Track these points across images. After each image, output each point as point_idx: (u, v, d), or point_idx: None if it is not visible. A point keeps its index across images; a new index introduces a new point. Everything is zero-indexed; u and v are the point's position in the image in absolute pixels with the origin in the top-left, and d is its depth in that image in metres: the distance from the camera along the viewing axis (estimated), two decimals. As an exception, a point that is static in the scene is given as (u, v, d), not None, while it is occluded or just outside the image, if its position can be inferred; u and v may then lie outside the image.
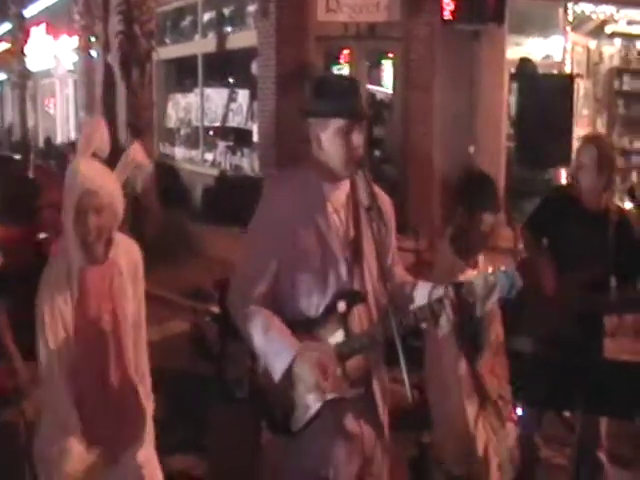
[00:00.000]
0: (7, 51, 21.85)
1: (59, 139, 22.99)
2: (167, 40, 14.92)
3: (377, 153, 11.67)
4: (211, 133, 14.07)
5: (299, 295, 2.46)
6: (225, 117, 13.47)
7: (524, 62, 6.70)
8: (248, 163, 12.62)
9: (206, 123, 14.00)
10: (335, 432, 2.43)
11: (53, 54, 21.53)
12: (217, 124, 13.74)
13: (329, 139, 2.47)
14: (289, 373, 2.34)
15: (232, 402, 4.11)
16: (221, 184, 12.16)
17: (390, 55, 11.40)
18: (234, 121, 13.25)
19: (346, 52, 11.51)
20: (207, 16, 13.75)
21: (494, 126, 10.37)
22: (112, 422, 2.75)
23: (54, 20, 21.36)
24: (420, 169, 10.61)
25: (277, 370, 2.35)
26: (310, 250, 2.44)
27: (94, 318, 2.70)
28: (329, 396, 2.37)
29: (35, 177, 6.93)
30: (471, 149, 9.79)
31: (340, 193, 2.55)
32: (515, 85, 7.47)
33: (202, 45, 13.69)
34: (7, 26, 22.84)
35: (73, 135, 22.30)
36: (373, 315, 2.49)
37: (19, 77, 20.83)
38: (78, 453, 2.61)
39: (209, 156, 13.86)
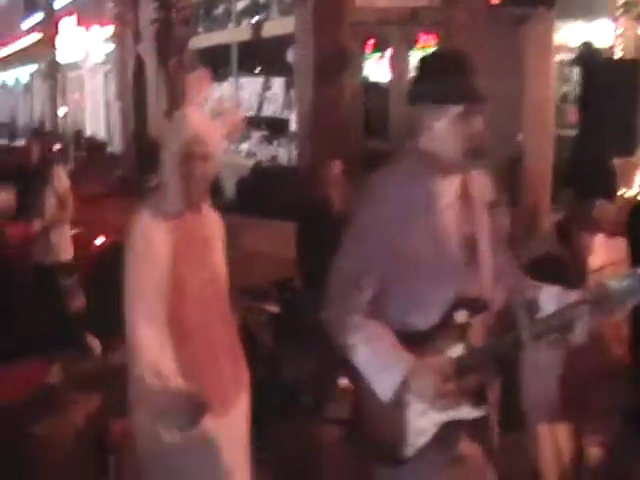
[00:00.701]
0: (38, 41, 21.78)
1: (88, 131, 22.92)
2: (199, 29, 14.69)
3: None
4: (244, 123, 13.81)
5: (410, 305, 2.14)
6: (260, 106, 13.23)
7: (586, 46, 6.34)
8: (285, 153, 12.36)
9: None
10: (450, 456, 2.15)
11: (83, 46, 21.44)
12: (251, 113, 13.50)
13: (445, 128, 2.10)
14: (400, 392, 2.07)
15: (294, 409, 3.84)
16: (256, 174, 11.93)
17: (418, 44, 11.05)
18: (269, 110, 13.01)
19: (371, 42, 11.17)
20: (241, 4, 13.50)
21: (542, 114, 9.98)
22: (218, 373, 2.61)
23: (84, 11, 21.27)
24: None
25: (387, 388, 2.05)
26: (422, 253, 2.11)
27: (194, 267, 2.58)
28: (448, 417, 2.09)
29: (74, 171, 6.70)
30: (519, 137, 9.43)
31: (452, 186, 2.19)
32: (577, 70, 7.09)
33: (236, 33, 13.44)
34: (38, 17, 22.79)
35: (103, 126, 22.26)
36: (492, 325, 2.19)
37: (49, 68, 20.72)
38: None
39: (244, 146, 13.62)
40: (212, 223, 2.74)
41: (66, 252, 5.52)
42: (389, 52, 11.23)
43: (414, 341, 2.11)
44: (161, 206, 2.58)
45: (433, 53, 2.26)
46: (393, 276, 2.14)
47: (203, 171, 2.56)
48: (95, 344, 5.08)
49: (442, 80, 2.10)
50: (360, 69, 10.87)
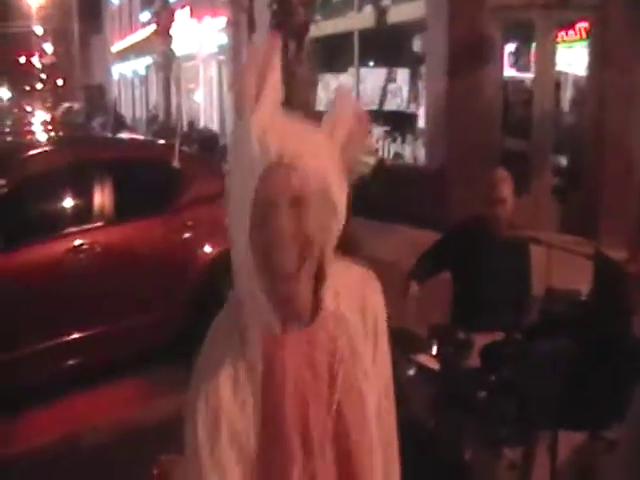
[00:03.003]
0: (154, 32, 21.60)
1: (202, 123, 22.54)
2: (318, 16, 13.77)
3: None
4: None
5: None
6: (382, 99, 12.19)
7: None
8: (410, 151, 11.27)
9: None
10: None
11: (197, 37, 21.08)
12: (373, 107, 12.48)
13: None
14: None
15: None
16: (379, 174, 10.90)
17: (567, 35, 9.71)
18: (393, 104, 11.95)
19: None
20: (364, -12, 12.50)
21: None
22: None
23: (197, 3, 20.91)
24: (616, 163, 8.92)
25: None
26: None
27: (294, 425, 1.35)
28: None
29: (181, 167, 5.84)
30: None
31: None
32: None
33: (358, 21, 12.44)
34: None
35: (216, 118, 21.80)
36: None
37: (164, 59, 20.44)
38: None
39: (363, 142, 12.63)
40: (346, 318, 1.39)
41: None
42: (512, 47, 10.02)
43: None
44: (233, 326, 1.35)
45: None
46: None
47: (298, 230, 1.23)
48: None
49: None
50: (501, 60, 9.66)
